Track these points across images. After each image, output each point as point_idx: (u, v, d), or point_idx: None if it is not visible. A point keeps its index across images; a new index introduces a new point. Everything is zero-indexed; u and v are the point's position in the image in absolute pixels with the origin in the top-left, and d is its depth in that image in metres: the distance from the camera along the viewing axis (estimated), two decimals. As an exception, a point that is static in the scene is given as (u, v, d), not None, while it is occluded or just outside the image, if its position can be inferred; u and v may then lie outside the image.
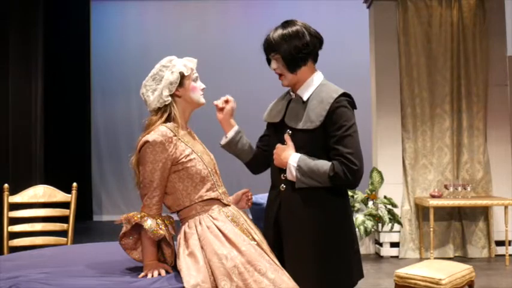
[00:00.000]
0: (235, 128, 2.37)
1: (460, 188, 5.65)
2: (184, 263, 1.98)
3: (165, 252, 2.13)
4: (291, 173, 2.12)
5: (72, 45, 8.80)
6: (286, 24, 2.19)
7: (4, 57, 5.90)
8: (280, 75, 2.20)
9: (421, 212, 5.89)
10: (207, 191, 2.11)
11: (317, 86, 2.18)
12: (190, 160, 2.08)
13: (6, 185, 3.07)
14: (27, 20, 6.33)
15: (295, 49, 2.13)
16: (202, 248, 2.01)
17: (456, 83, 6.01)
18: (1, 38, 5.85)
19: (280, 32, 2.16)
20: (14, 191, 3.10)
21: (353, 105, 2.15)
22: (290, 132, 2.17)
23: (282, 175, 2.17)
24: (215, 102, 2.35)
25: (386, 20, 6.13)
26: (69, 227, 3.11)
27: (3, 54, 5.89)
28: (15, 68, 6.05)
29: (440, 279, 3.29)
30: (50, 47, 7.59)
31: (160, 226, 2.04)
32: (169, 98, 2.13)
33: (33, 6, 6.44)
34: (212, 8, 9.31)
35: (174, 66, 2.16)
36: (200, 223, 2.08)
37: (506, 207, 5.46)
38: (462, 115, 5.96)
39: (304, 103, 2.17)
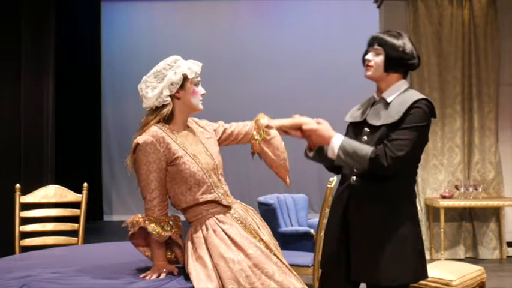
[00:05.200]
0: None
1: (471, 189, 5.60)
2: (193, 267, 1.98)
3: (176, 252, 2.13)
4: (333, 150, 2.19)
5: (83, 45, 8.86)
6: (399, 33, 2.29)
7: (16, 58, 5.95)
8: (370, 66, 2.27)
9: (432, 212, 5.85)
10: (203, 193, 2.07)
11: (402, 91, 2.26)
12: (184, 163, 2.04)
13: (18, 185, 3.10)
14: (38, 20, 6.37)
15: (401, 56, 2.23)
16: (209, 251, 2.00)
17: (467, 82, 5.96)
18: (13, 39, 5.90)
19: (394, 36, 2.26)
20: (25, 191, 3.13)
21: (432, 112, 2.21)
22: (368, 130, 2.25)
23: (354, 168, 2.24)
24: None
25: (397, 19, 6.10)
26: (80, 227, 3.13)
27: (15, 54, 5.94)
28: (27, 69, 6.10)
29: (451, 281, 3.27)
30: (61, 47, 7.62)
31: (165, 227, 2.03)
32: (169, 99, 2.09)
33: (44, 6, 6.48)
34: (222, 8, 9.32)
35: (178, 67, 2.11)
36: (206, 227, 2.06)
37: (518, 208, 5.42)
38: (473, 115, 5.92)
39: (387, 104, 2.25)
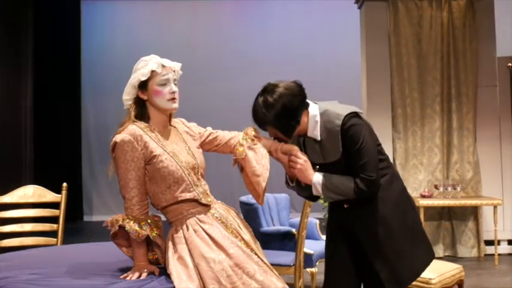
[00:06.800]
0: None
1: (450, 188, 5.68)
2: (174, 268, 1.97)
3: (156, 252, 2.12)
4: (317, 191, 2.26)
5: (63, 44, 8.75)
6: (270, 97, 2.19)
7: (-7, 57, 5.86)
8: (281, 140, 2.28)
9: (412, 211, 5.90)
10: (182, 192, 2.06)
11: (319, 120, 2.25)
12: (162, 161, 2.03)
13: (-5, 185, 3.05)
14: (17, 18, 6.29)
15: (287, 122, 2.20)
16: (190, 251, 2.00)
17: (446, 83, 6.05)
18: (-10, 37, 5.81)
19: (268, 109, 2.18)
20: (3, 191, 3.08)
21: (357, 115, 2.23)
22: (318, 167, 2.29)
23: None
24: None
25: (377, 20, 6.16)
26: (59, 227, 3.09)
27: (-7, 53, 5.85)
28: (5, 67, 6.01)
29: (430, 279, 3.31)
30: (40, 45, 7.53)
31: (143, 226, 2.02)
32: (130, 102, 2.11)
33: (23, 4, 6.39)
34: (202, 7, 9.30)
35: (138, 69, 2.10)
36: (187, 227, 2.06)
37: (495, 207, 5.51)
38: (452, 115, 6.00)
39: (318, 142, 2.27)
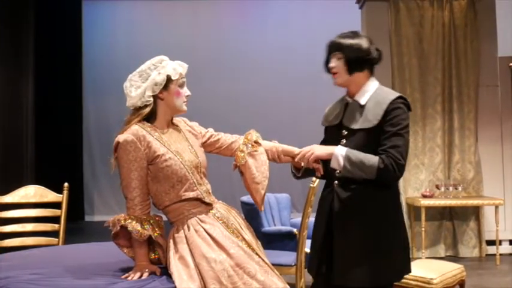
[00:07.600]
0: None
1: (451, 188, 5.68)
2: (175, 267, 1.98)
3: (158, 252, 2.12)
4: (338, 162, 2.17)
5: (64, 44, 8.74)
6: (354, 33, 2.33)
7: (-6, 57, 5.86)
8: (335, 73, 2.29)
9: (413, 211, 5.91)
10: (186, 190, 2.08)
11: (373, 91, 2.28)
12: (166, 160, 2.04)
13: (-4, 185, 3.05)
14: (18, 18, 6.29)
15: (359, 54, 2.25)
16: (191, 251, 2.00)
17: (447, 83, 6.04)
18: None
19: (348, 37, 2.29)
20: (4, 191, 3.08)
21: (409, 108, 2.25)
22: (346, 133, 2.25)
23: (336, 172, 2.23)
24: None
25: (379, 20, 6.15)
26: (61, 227, 3.09)
27: (-7, 54, 5.84)
28: (5, 67, 6.01)
29: (431, 279, 3.31)
30: (42, 45, 7.52)
31: (145, 226, 2.02)
32: (151, 99, 2.10)
33: (23, 4, 6.39)
34: (203, 7, 9.30)
35: (163, 67, 2.12)
36: (188, 227, 2.06)
37: (496, 207, 5.50)
38: (453, 115, 6.00)
39: (362, 107, 2.25)
